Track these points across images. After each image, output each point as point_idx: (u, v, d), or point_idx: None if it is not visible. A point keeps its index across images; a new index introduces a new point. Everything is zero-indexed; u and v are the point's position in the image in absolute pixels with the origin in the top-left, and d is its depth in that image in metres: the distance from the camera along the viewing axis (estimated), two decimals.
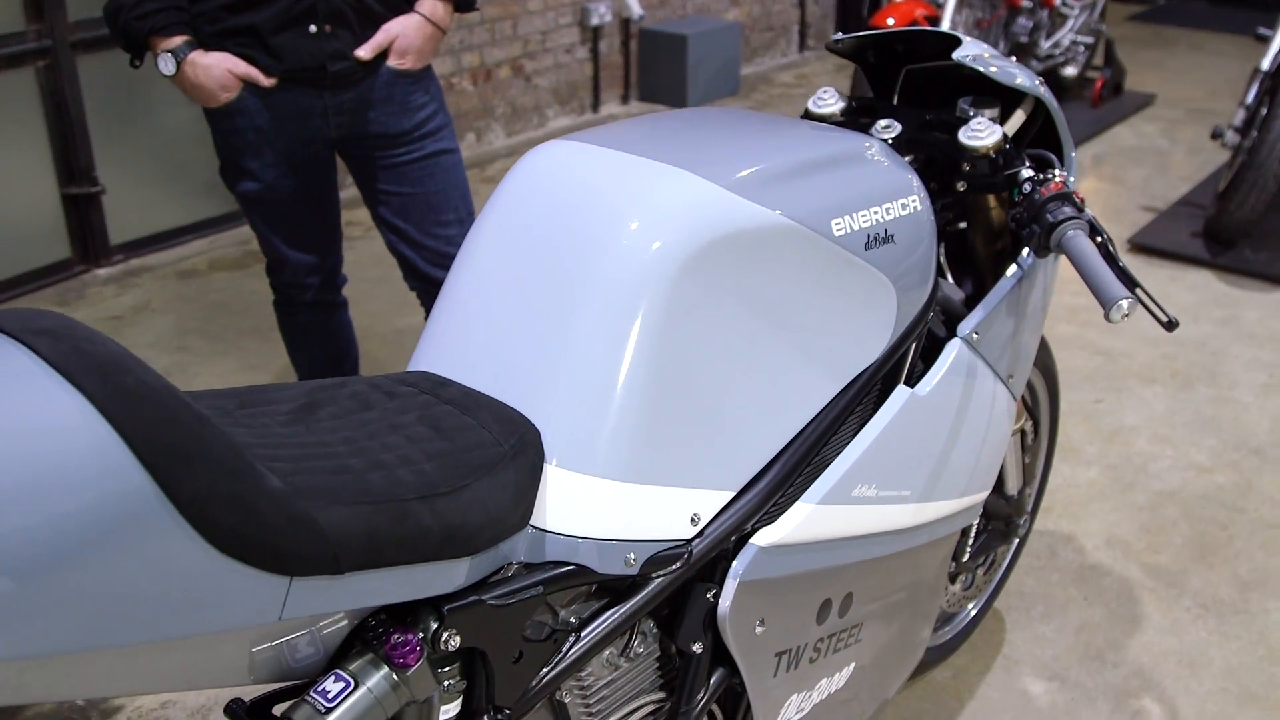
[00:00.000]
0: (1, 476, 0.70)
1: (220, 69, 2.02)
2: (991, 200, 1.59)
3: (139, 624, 0.77)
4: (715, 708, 1.36)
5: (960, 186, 1.53)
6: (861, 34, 1.66)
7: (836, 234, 1.24)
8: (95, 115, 3.62)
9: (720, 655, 1.27)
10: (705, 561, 1.20)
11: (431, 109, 2.21)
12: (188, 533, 0.77)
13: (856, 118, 1.61)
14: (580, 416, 1.09)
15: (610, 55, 5.37)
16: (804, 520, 1.24)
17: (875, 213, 1.30)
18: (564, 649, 1.11)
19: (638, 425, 1.10)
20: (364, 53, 2.08)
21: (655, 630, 1.24)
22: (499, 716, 1.08)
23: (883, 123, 1.53)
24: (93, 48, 3.57)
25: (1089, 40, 5.34)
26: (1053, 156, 1.57)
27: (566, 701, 1.17)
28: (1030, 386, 1.94)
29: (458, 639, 1.01)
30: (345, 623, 0.97)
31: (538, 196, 1.20)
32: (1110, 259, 1.39)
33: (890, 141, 1.51)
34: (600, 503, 1.09)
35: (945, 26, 4.36)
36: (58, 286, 3.58)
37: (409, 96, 2.16)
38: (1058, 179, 1.44)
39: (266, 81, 2.04)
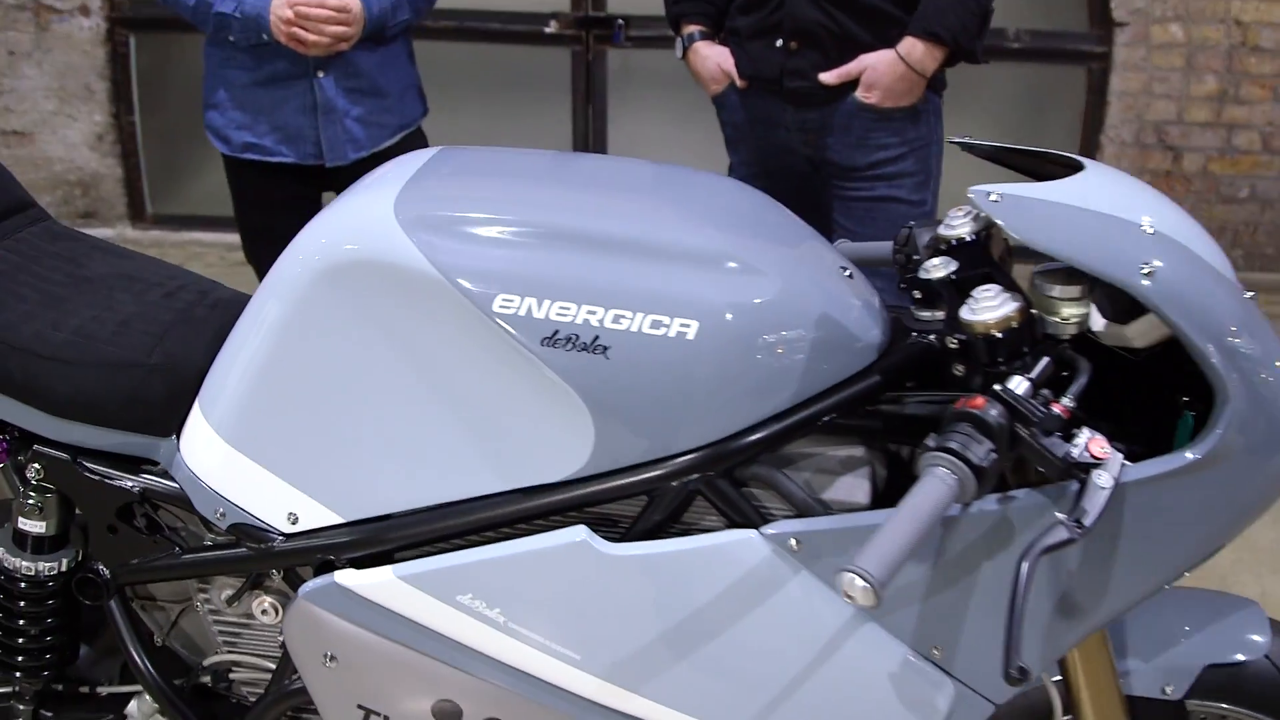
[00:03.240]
0: None
1: (713, 62, 2.18)
2: None
3: None
4: None
5: (955, 370, 1.08)
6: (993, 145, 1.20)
7: (497, 310, 1.06)
8: None
9: None
10: (292, 565, 1.20)
11: (897, 153, 2.05)
12: None
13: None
14: (218, 370, 1.20)
15: None
16: (383, 585, 1.12)
17: (588, 312, 1.05)
18: (143, 550, 1.26)
19: (247, 399, 1.17)
20: (828, 78, 2.04)
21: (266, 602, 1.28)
22: (96, 569, 1.29)
23: (938, 260, 1.13)
24: None
25: None
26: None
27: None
28: None
29: (37, 466, 1.25)
30: None
31: None
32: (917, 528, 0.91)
33: (928, 279, 1.11)
34: (212, 451, 1.20)
35: None
36: None
37: (870, 133, 2.05)
38: (1011, 395, 0.96)
39: (739, 82, 2.14)
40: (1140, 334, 1.07)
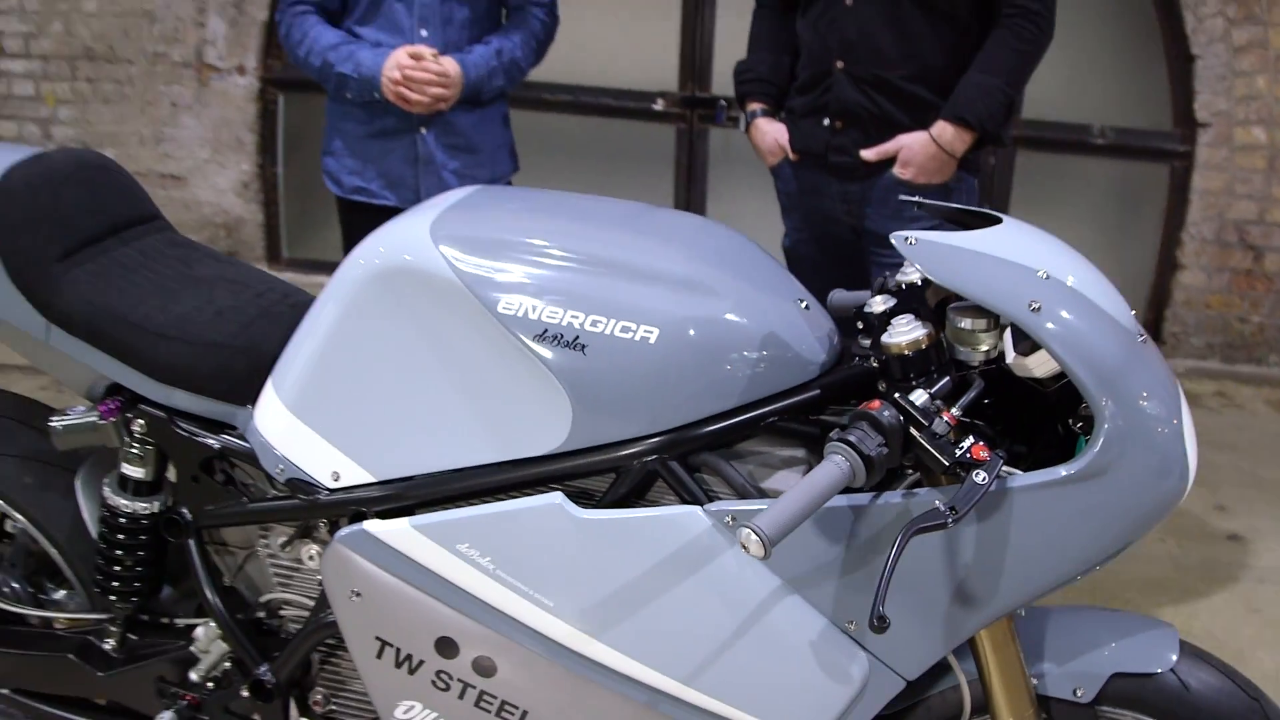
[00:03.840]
0: None
1: (771, 137, 2.42)
2: None
3: None
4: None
5: (880, 386, 1.29)
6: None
7: (501, 311, 1.31)
8: None
9: None
10: (332, 516, 1.45)
11: (929, 225, 2.25)
12: None
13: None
14: (287, 353, 1.48)
15: None
16: (401, 534, 1.37)
17: (571, 315, 1.29)
18: (221, 500, 1.53)
19: (307, 376, 1.44)
20: (868, 155, 2.26)
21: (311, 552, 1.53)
22: (181, 512, 1.57)
23: (880, 298, 1.34)
24: None
25: None
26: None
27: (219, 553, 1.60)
28: None
29: (141, 422, 1.54)
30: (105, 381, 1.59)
31: None
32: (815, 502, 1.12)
33: (873, 312, 1.32)
34: (277, 418, 1.47)
35: None
36: None
37: (905, 206, 2.25)
38: (904, 408, 1.17)
39: (792, 156, 2.38)
40: (1038, 365, 1.26)
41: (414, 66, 2.32)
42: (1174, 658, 1.39)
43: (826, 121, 2.29)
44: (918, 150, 2.20)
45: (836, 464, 1.13)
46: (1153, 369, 1.24)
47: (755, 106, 2.45)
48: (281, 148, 4.85)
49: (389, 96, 2.35)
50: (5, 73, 4.95)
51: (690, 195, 4.62)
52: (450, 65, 2.36)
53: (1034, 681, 1.39)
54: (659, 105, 4.51)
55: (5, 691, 1.74)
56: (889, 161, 2.24)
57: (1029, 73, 2.22)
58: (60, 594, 1.76)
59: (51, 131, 4.98)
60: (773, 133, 2.40)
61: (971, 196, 2.36)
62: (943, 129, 2.18)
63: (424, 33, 2.41)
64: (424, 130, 2.46)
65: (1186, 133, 4.12)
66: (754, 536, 1.07)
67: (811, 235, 2.42)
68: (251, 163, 4.84)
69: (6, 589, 1.74)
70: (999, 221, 1.32)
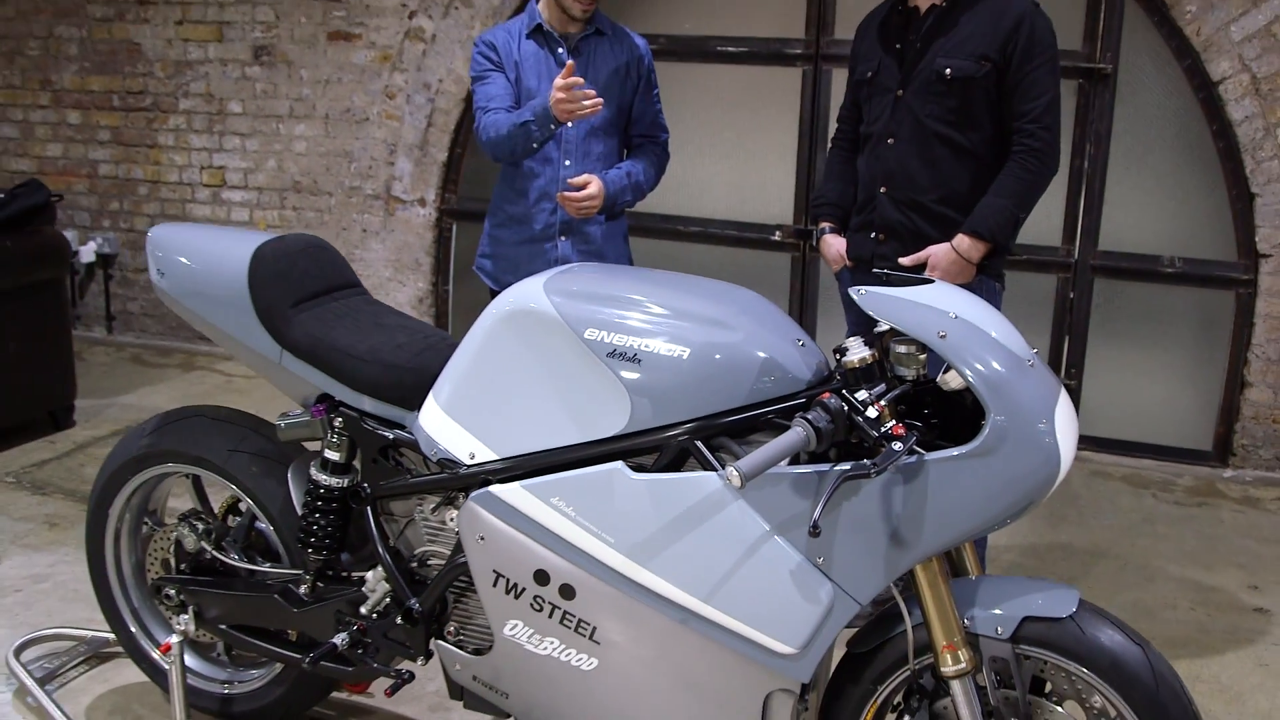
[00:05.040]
0: None
1: (834, 249, 3.02)
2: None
3: None
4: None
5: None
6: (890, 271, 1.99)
7: (586, 337, 1.93)
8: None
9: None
10: (467, 484, 2.07)
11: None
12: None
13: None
14: (444, 372, 2.13)
15: None
16: (514, 493, 1.97)
17: (632, 339, 1.90)
18: (393, 477, 2.18)
19: (460, 384, 2.09)
20: (904, 261, 2.83)
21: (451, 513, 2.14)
22: (364, 486, 2.22)
23: (856, 340, 1.90)
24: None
25: None
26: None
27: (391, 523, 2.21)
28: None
29: (340, 420, 2.21)
30: (316, 391, 2.26)
31: None
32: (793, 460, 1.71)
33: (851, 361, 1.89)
34: (435, 415, 2.11)
35: None
36: None
37: None
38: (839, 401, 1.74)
39: (848, 263, 2.97)
40: (952, 380, 1.81)
41: (567, 98, 2.79)
42: (1073, 608, 1.87)
43: (873, 235, 2.88)
44: (942, 257, 2.76)
45: (795, 432, 1.71)
46: (1035, 383, 1.78)
47: (824, 225, 3.07)
48: (453, 269, 5.67)
49: (559, 115, 2.80)
50: (226, 201, 5.96)
51: (803, 310, 5.21)
52: (596, 185, 3.02)
53: (966, 623, 1.89)
54: (777, 236, 5.15)
55: (224, 627, 2.40)
56: (922, 267, 2.81)
57: (1035, 197, 2.78)
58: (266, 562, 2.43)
59: None
60: (836, 246, 3.01)
61: (993, 298, 2.89)
62: (961, 240, 2.75)
63: (567, 163, 3.11)
64: (563, 238, 3.14)
65: (1249, 263, 4.54)
66: (734, 473, 1.65)
67: (862, 329, 2.99)
68: (427, 281, 5.68)
69: (235, 552, 2.41)
70: (933, 283, 1.89)
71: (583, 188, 2.99)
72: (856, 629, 2.03)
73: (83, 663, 2.85)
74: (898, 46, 2.84)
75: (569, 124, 2.96)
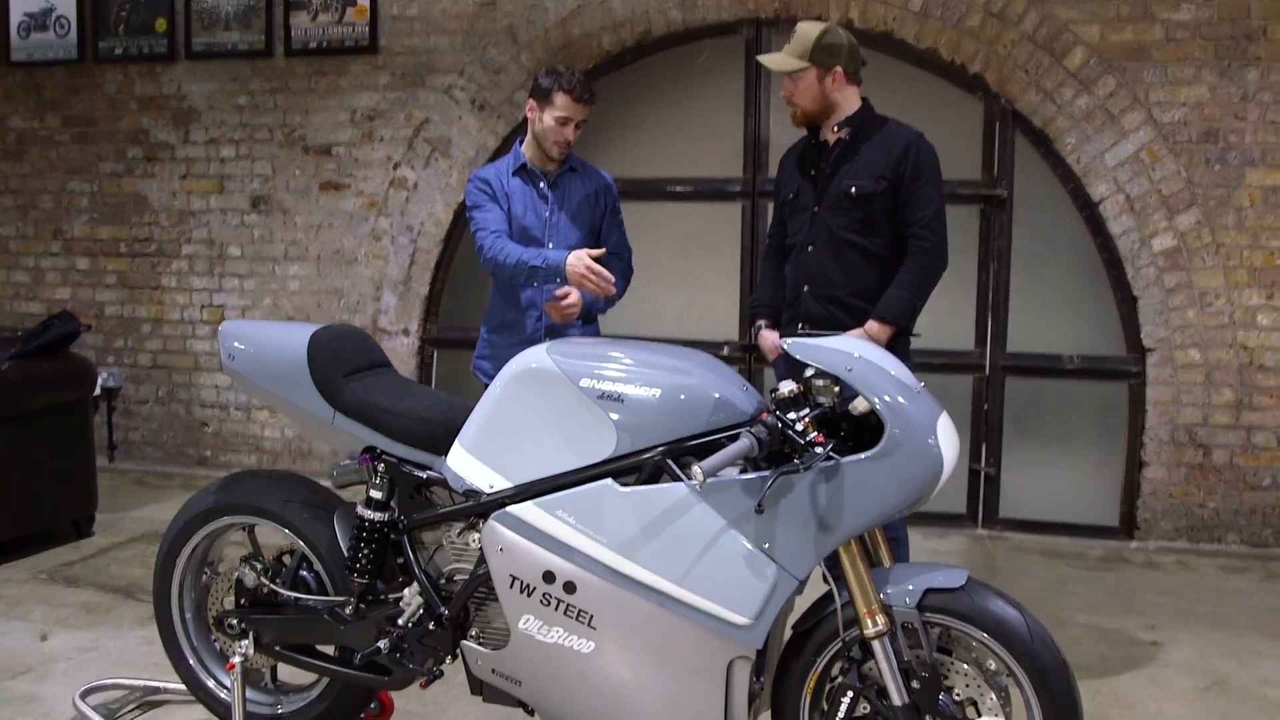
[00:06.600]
0: None
1: (770, 342, 3.62)
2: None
3: None
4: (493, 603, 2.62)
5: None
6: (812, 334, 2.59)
7: (581, 385, 2.51)
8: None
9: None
10: (488, 508, 2.61)
11: None
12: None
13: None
14: (469, 420, 2.69)
15: None
16: (526, 510, 2.51)
17: (615, 385, 2.48)
18: (425, 509, 2.71)
19: (481, 430, 2.64)
20: None
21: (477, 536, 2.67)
22: (401, 518, 2.75)
23: (784, 382, 2.50)
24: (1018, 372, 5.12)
25: None
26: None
27: (421, 545, 2.73)
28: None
29: (382, 465, 2.75)
30: (363, 442, 2.81)
31: None
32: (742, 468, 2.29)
33: (782, 393, 2.48)
34: (460, 457, 2.66)
35: None
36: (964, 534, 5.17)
37: None
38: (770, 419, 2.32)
39: (781, 351, 3.58)
40: (860, 404, 2.40)
41: (590, 266, 3.38)
42: (963, 581, 2.43)
43: (800, 325, 3.50)
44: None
45: (743, 441, 2.28)
46: (921, 404, 2.38)
47: (760, 322, 3.69)
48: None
49: (572, 280, 3.41)
50: None
51: None
52: (575, 294, 3.55)
53: (881, 598, 2.44)
54: (725, 351, 5.78)
55: (278, 648, 2.88)
56: None
57: (929, 288, 3.42)
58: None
59: None
60: (771, 338, 3.63)
61: None
62: (871, 325, 3.37)
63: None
64: (549, 340, 3.73)
65: (1137, 356, 5.22)
66: (698, 471, 2.21)
67: None
68: None
69: (288, 585, 2.91)
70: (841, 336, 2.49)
71: (564, 297, 3.60)
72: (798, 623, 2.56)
73: (137, 708, 3.29)
74: (812, 173, 3.52)
75: (532, 226, 3.63)
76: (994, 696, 2.39)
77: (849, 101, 3.48)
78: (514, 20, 5.82)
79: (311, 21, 6.12)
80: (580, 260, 3.37)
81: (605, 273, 3.38)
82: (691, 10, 5.59)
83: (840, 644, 2.47)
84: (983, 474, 5.35)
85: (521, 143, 3.80)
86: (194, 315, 6.52)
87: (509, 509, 2.53)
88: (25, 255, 6.79)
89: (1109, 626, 4.09)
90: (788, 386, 2.40)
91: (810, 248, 3.48)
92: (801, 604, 2.56)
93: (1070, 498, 5.36)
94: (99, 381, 6.33)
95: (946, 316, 5.20)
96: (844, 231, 3.42)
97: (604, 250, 3.48)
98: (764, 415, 2.34)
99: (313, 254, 6.27)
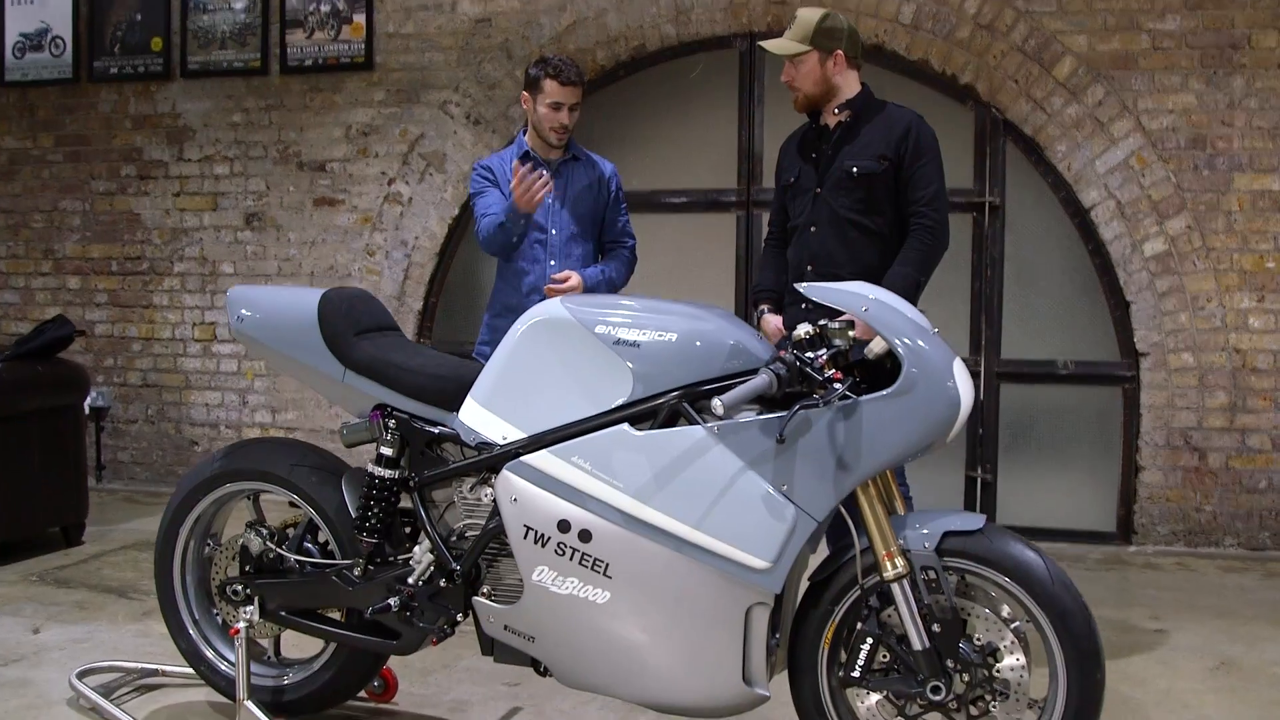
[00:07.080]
0: None
1: (772, 325, 3.63)
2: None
3: None
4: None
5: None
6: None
7: (596, 331, 2.51)
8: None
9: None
10: (502, 460, 2.58)
11: None
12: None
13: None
14: (481, 374, 2.68)
15: None
16: (541, 459, 2.49)
17: (631, 331, 2.48)
18: (436, 467, 2.68)
19: (495, 382, 2.63)
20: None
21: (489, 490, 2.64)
22: (412, 475, 2.72)
23: (806, 325, 2.51)
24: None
25: None
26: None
27: (433, 501, 2.70)
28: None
29: (393, 422, 2.72)
30: (373, 401, 2.78)
31: None
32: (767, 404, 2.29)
33: (799, 334, 2.48)
34: (473, 409, 2.64)
35: None
36: None
37: None
38: (792, 358, 2.32)
39: (784, 335, 3.60)
40: (876, 346, 2.41)
41: (519, 175, 3.49)
42: (981, 523, 2.42)
43: (804, 306, 3.51)
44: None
45: (763, 377, 2.28)
46: (937, 345, 2.38)
47: (763, 306, 3.70)
48: None
49: (521, 206, 3.47)
50: (216, 354, 6.48)
51: None
52: (576, 278, 3.63)
53: (900, 543, 2.42)
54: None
55: (284, 614, 2.83)
56: None
57: (932, 265, 3.44)
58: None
59: (247, 399, 6.42)
60: (774, 322, 3.63)
61: None
62: None
63: (553, 263, 3.74)
64: None
65: (1131, 361, 5.25)
66: (719, 403, 2.20)
67: None
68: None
69: (296, 549, 2.87)
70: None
71: (564, 280, 3.61)
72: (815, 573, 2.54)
73: (134, 690, 3.23)
74: (814, 156, 3.55)
75: (536, 213, 3.64)
76: (1014, 639, 2.37)
77: (849, 85, 3.52)
78: (509, 36, 5.88)
79: (307, 39, 6.17)
80: (513, 174, 3.50)
81: (531, 174, 3.48)
82: (685, 25, 5.66)
83: (859, 591, 2.45)
84: (979, 481, 5.35)
85: (524, 133, 3.84)
86: (185, 333, 6.48)
87: (523, 459, 2.50)
88: (15, 275, 6.76)
89: (1114, 618, 4.07)
90: (804, 329, 2.40)
91: (813, 228, 3.51)
92: (814, 568, 2.54)
93: (1067, 503, 5.36)
94: (87, 402, 6.28)
95: (940, 324, 5.18)
96: (846, 211, 3.44)
97: (530, 166, 3.56)
98: (782, 354, 2.34)
99: (306, 270, 6.26)
